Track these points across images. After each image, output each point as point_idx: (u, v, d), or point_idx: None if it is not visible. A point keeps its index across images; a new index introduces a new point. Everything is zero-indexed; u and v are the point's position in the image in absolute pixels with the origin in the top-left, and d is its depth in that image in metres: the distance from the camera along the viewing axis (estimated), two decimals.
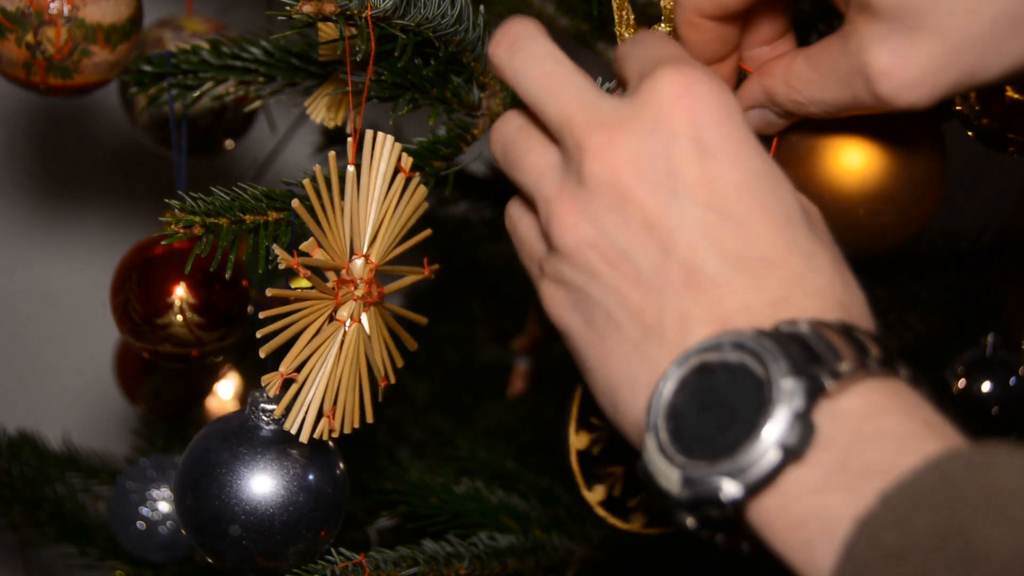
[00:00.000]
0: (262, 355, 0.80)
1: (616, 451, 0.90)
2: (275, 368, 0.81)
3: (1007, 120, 0.88)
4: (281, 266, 0.79)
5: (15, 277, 1.75)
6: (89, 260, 1.69)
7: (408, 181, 0.83)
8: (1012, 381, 1.20)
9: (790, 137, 0.79)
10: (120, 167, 1.75)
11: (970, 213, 1.59)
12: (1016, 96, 0.87)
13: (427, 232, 0.87)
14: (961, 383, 1.21)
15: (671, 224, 0.62)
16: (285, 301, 0.79)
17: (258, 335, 0.80)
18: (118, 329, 1.02)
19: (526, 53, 0.68)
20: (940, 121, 0.82)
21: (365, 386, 0.85)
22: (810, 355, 0.58)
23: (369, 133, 0.80)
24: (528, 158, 0.68)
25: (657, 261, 0.62)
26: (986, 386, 1.20)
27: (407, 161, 0.83)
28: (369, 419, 0.86)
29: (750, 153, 0.63)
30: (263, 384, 0.82)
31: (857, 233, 0.78)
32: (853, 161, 0.77)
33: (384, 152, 0.82)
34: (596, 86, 0.67)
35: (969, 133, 0.90)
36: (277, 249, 0.79)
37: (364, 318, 0.83)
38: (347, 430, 0.84)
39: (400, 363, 0.89)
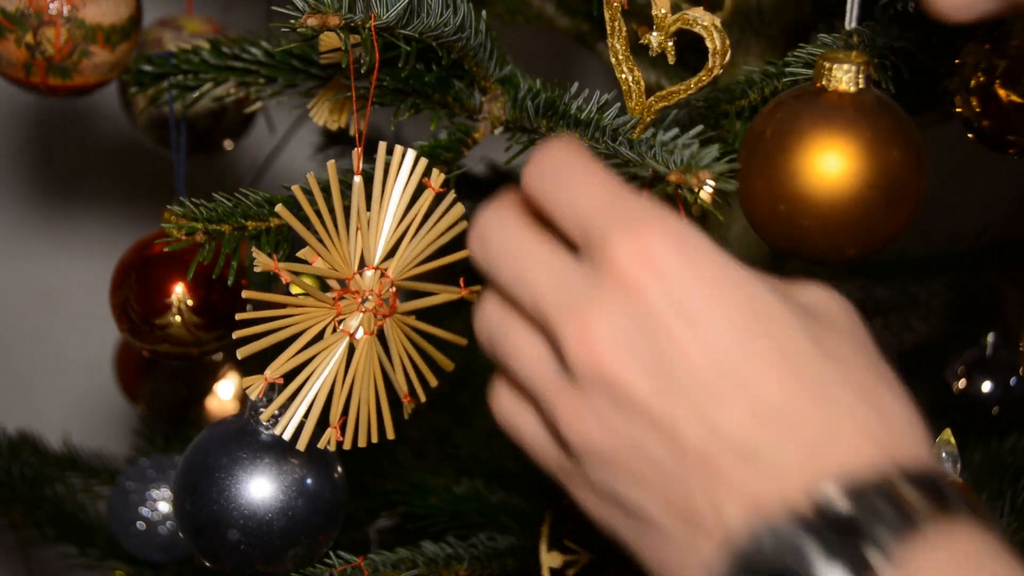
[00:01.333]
0: (239, 357, 0.79)
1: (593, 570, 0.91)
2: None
3: (1007, 121, 0.88)
4: (257, 269, 0.78)
5: (15, 277, 1.75)
6: (89, 260, 1.69)
7: (441, 198, 0.82)
8: (1012, 381, 1.20)
9: (762, 130, 0.79)
10: (119, 167, 1.75)
11: (970, 214, 1.59)
12: (1016, 98, 0.87)
13: (465, 252, 0.86)
14: (961, 383, 1.21)
15: (671, 410, 0.58)
16: (265, 305, 0.79)
17: (234, 336, 0.79)
18: (117, 328, 1.02)
19: (494, 243, 0.64)
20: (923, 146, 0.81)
21: (383, 400, 0.85)
22: (847, 532, 0.54)
23: (382, 145, 0.80)
24: (517, 351, 0.64)
25: (670, 451, 0.58)
26: (986, 386, 1.20)
27: (437, 178, 0.82)
28: (389, 435, 0.85)
29: (731, 298, 0.58)
30: (244, 386, 0.81)
31: (783, 230, 0.78)
32: (812, 163, 0.77)
33: (404, 166, 0.81)
34: (563, 257, 0.62)
35: (969, 135, 0.90)
36: (256, 252, 0.79)
37: (381, 331, 0.83)
38: (362, 443, 0.83)
39: (433, 382, 0.88)
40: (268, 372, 0.80)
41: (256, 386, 0.81)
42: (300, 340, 0.81)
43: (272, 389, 0.82)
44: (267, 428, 0.89)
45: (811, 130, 0.77)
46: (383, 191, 0.82)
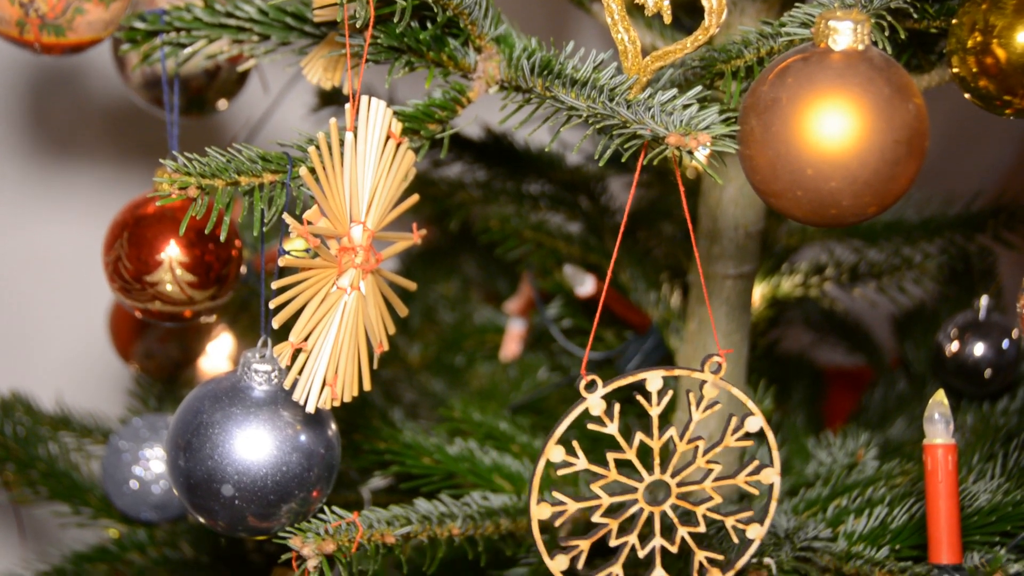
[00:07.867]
0: (276, 325, 0.80)
1: (582, 527, 0.91)
2: (267, 332, 0.81)
3: (1004, 83, 0.88)
4: (292, 235, 0.79)
5: (7, 237, 1.75)
6: (82, 220, 1.69)
7: (397, 147, 0.83)
8: (1005, 344, 1.20)
9: (775, 96, 0.79)
10: (112, 127, 1.74)
11: (964, 177, 1.59)
12: (1013, 59, 0.87)
13: (415, 197, 0.87)
14: (954, 346, 1.21)
15: None
16: (295, 270, 0.80)
17: (271, 305, 0.80)
18: (109, 286, 1.02)
19: None
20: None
21: (363, 353, 0.85)
22: None
23: (363, 99, 0.80)
24: None
25: None
26: (979, 349, 1.21)
27: (397, 127, 0.83)
28: (366, 386, 0.86)
29: None
30: (276, 355, 0.82)
31: (807, 195, 0.78)
32: (837, 124, 0.77)
33: (377, 118, 0.82)
34: None
35: (966, 95, 0.90)
36: (288, 218, 0.79)
37: (362, 285, 0.83)
38: (347, 398, 0.84)
39: (392, 329, 0.89)
40: (293, 337, 0.81)
41: (286, 353, 0.81)
42: (313, 302, 0.81)
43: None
44: (260, 384, 0.89)
45: (831, 91, 0.77)
46: (365, 145, 0.82)
